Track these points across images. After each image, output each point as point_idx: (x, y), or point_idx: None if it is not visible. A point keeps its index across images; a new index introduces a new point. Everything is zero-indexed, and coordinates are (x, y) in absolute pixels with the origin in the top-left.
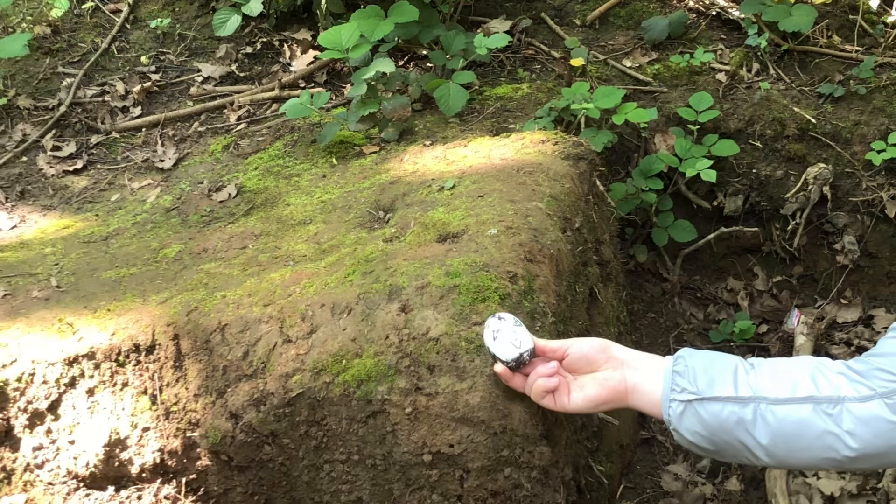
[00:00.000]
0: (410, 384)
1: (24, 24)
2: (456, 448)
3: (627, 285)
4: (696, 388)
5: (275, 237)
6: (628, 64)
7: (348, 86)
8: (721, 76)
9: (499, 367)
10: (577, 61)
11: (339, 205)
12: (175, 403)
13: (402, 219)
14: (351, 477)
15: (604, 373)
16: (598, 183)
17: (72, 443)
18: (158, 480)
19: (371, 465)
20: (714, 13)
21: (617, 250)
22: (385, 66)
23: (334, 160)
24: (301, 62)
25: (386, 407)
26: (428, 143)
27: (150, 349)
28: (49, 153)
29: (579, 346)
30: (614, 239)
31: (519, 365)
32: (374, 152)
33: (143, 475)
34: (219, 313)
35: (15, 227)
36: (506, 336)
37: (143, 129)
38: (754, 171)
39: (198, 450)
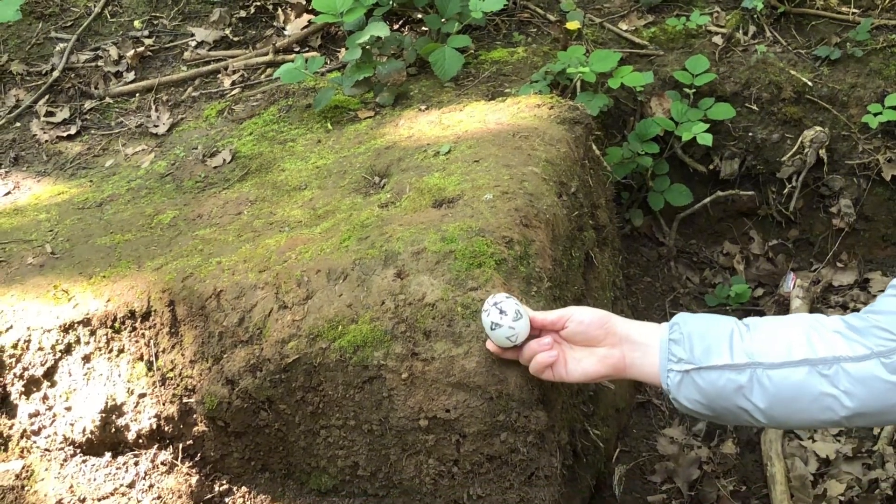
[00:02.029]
0: (406, 349)
1: None
2: (452, 413)
3: (623, 249)
4: (693, 357)
5: (270, 203)
6: (624, 27)
7: (343, 50)
8: (717, 39)
9: (491, 346)
10: (572, 24)
11: (334, 170)
12: (171, 370)
13: (398, 184)
14: (347, 442)
15: (603, 349)
16: (594, 147)
17: (68, 409)
18: (155, 446)
19: (367, 431)
20: None
21: (613, 214)
22: (380, 29)
23: (329, 125)
24: (295, 26)
25: (382, 372)
26: (423, 107)
27: (146, 315)
28: (42, 119)
29: (579, 319)
30: (610, 203)
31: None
32: (370, 117)
33: (140, 441)
34: (214, 279)
35: (9, 193)
36: (503, 332)
37: (137, 95)
38: (750, 134)
39: (194, 416)
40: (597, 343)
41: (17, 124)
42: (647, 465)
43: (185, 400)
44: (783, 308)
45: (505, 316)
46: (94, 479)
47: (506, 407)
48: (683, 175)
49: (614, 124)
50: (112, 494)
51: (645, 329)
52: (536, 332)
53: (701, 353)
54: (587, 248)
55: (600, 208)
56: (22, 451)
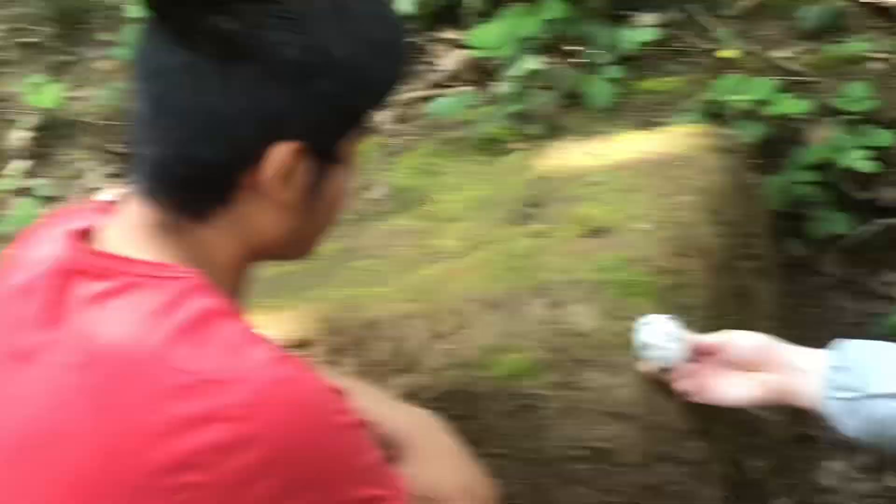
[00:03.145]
0: (560, 379)
1: None
2: (608, 443)
3: (781, 279)
4: (857, 385)
5: (424, 234)
6: (779, 54)
7: (496, 83)
8: (877, 65)
9: (643, 367)
10: (727, 53)
11: (486, 201)
12: None
13: (550, 214)
14: (503, 471)
15: (763, 374)
16: (750, 176)
17: None
18: None
19: (522, 460)
20: (869, 1)
21: (770, 244)
22: (532, 63)
23: (482, 157)
24: (448, 61)
25: (536, 401)
26: (575, 138)
27: (303, 345)
28: None
29: (739, 344)
30: (767, 232)
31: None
32: (522, 149)
33: None
34: (370, 310)
35: None
36: (655, 352)
37: None
38: None
39: None
40: (756, 368)
41: None
42: (807, 498)
43: None
44: None
45: (659, 337)
46: None
47: (663, 437)
48: (843, 203)
49: (770, 152)
50: None
51: (807, 355)
52: (694, 355)
53: (866, 381)
54: (743, 277)
55: (756, 237)
56: None
